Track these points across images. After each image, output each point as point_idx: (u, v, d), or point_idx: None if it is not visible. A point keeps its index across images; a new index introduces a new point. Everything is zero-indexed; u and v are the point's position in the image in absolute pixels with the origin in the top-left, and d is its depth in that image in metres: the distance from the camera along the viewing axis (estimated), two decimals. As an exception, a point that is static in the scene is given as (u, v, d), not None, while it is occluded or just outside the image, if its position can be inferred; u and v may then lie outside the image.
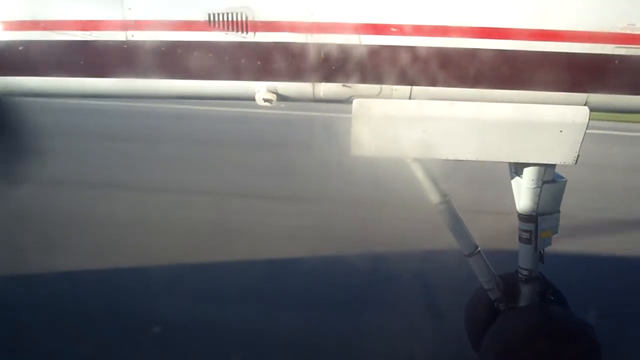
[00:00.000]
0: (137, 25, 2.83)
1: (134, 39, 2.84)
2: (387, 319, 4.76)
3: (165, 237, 6.48)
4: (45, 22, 2.85)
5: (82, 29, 2.83)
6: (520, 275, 3.59)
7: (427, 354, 4.41)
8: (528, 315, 3.58)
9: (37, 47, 2.89)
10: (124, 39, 2.84)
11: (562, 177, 3.38)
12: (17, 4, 2.90)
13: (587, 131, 2.98)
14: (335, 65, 2.85)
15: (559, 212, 3.42)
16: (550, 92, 2.92)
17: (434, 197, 3.43)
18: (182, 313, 4.80)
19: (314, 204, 7.58)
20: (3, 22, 2.88)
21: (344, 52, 2.82)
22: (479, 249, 3.59)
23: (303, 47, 2.82)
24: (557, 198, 3.38)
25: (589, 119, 2.95)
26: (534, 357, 3.30)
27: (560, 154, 3.03)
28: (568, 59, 2.80)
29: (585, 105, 2.95)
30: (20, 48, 2.88)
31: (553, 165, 3.20)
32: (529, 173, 3.25)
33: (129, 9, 2.81)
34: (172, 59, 2.88)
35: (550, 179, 3.28)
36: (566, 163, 3.04)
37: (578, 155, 3.02)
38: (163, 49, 2.86)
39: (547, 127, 2.98)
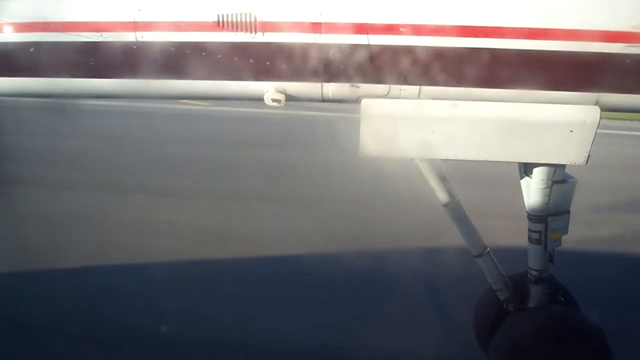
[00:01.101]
0: (147, 26, 2.85)
1: (144, 40, 2.87)
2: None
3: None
4: (55, 23, 2.88)
5: (92, 30, 2.86)
6: (529, 276, 3.56)
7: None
8: (537, 317, 3.55)
9: (47, 48, 2.92)
10: (133, 40, 2.86)
11: (572, 177, 3.35)
12: (28, 6, 2.93)
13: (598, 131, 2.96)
14: (343, 66, 2.85)
15: (569, 212, 3.39)
16: (561, 92, 2.90)
17: (442, 198, 3.41)
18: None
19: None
20: (14, 23, 2.91)
21: (352, 52, 2.82)
22: (488, 249, 3.57)
23: (311, 47, 2.82)
24: (567, 198, 3.35)
25: (600, 119, 2.93)
26: (543, 359, 3.28)
27: (571, 154, 3.00)
28: (579, 58, 2.77)
29: (595, 104, 2.92)
30: (32, 50, 2.91)
31: (563, 166, 3.18)
32: (538, 173, 3.22)
33: (139, 10, 2.83)
34: (180, 60, 2.89)
35: (560, 179, 3.26)
36: (577, 163, 3.01)
37: (589, 156, 2.99)
38: (172, 49, 2.88)
39: (557, 126, 2.95)
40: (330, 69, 2.86)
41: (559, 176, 3.24)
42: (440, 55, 2.80)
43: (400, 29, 2.78)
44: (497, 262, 3.64)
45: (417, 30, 2.78)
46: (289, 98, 2.99)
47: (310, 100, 3.07)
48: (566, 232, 3.43)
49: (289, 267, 5.90)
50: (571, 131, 2.94)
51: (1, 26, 2.91)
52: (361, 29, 2.79)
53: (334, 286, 5.39)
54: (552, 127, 2.96)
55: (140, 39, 2.86)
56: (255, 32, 2.83)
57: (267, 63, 2.87)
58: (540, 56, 2.77)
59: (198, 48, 2.87)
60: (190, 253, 6.18)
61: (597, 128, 2.94)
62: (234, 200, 8.16)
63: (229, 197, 8.30)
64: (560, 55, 2.78)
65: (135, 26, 2.85)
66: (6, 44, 2.92)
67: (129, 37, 2.86)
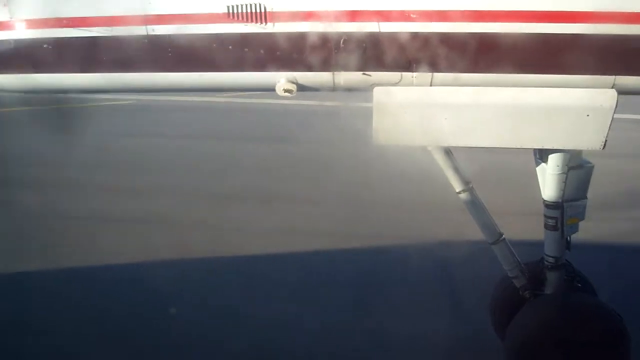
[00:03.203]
0: (157, 19, 2.86)
1: (155, 33, 2.87)
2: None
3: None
4: (67, 19, 2.90)
5: (102, 25, 2.87)
6: (545, 262, 3.53)
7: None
8: (554, 304, 3.52)
9: (60, 44, 2.94)
10: (144, 33, 2.87)
11: (589, 162, 3.30)
12: (40, 2, 2.95)
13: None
14: (354, 54, 2.83)
15: (586, 198, 3.35)
16: (576, 75, 2.85)
17: (456, 185, 3.39)
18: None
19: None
20: (27, 20, 2.94)
21: (363, 39, 2.80)
22: (504, 236, 3.55)
23: (322, 36, 2.80)
24: (584, 184, 3.31)
25: (617, 102, 2.87)
26: (561, 346, 3.25)
27: (587, 139, 2.95)
28: (595, 41, 2.72)
29: (612, 88, 2.87)
30: (45, 46, 2.94)
31: (579, 151, 3.13)
32: (554, 159, 3.18)
33: (149, 3, 2.83)
34: (192, 52, 2.90)
35: (577, 165, 3.22)
36: (593, 148, 2.96)
37: (606, 141, 2.93)
38: (183, 42, 2.88)
39: (573, 111, 2.90)
40: (341, 57, 2.84)
41: (575, 162, 3.20)
42: (452, 41, 2.77)
43: (411, 15, 2.75)
44: (512, 249, 3.61)
45: (429, 16, 2.74)
46: (301, 88, 2.99)
47: (322, 89, 3.06)
48: (583, 218, 3.39)
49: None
50: (587, 116, 2.89)
51: (13, 23, 2.94)
52: (371, 16, 2.76)
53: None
54: (568, 112, 2.91)
55: (151, 33, 2.87)
56: (266, 23, 2.82)
57: (278, 53, 2.86)
58: (556, 39, 2.72)
59: (208, 40, 2.87)
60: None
61: (614, 112, 2.89)
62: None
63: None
64: (576, 38, 2.72)
65: (146, 20, 2.86)
66: (18, 40, 2.95)
67: (140, 30, 2.87)
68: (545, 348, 3.26)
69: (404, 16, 2.76)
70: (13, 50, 2.97)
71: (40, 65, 3.02)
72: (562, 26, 2.69)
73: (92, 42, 2.92)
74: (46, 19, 2.93)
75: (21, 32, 2.95)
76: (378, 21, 2.77)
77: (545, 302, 3.54)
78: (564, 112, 2.91)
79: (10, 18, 2.93)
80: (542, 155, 3.32)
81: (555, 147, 3.09)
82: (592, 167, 3.29)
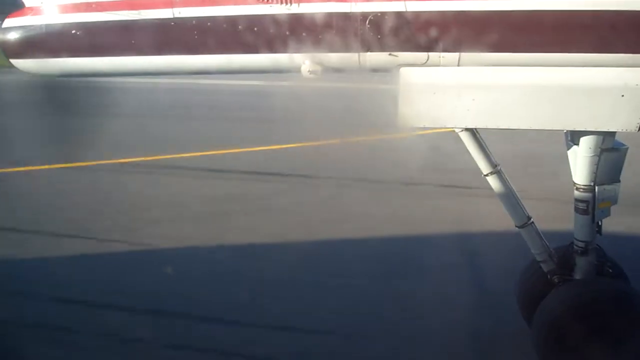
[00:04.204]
0: (183, 2, 2.88)
1: (181, 16, 2.89)
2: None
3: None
4: (96, 3, 2.95)
5: (130, 8, 2.91)
6: (575, 247, 3.46)
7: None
8: (584, 289, 3.46)
9: (89, 28, 2.99)
10: (171, 16, 2.89)
11: (623, 145, 3.20)
12: None
13: None
14: (380, 34, 2.80)
15: (619, 181, 3.25)
16: (611, 54, 2.75)
17: (484, 168, 3.34)
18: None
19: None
20: (58, 5, 3.00)
21: (390, 19, 2.76)
22: (532, 219, 3.48)
23: (347, 16, 2.77)
24: (618, 167, 3.22)
25: None
26: (590, 332, 3.19)
27: (622, 120, 2.86)
28: (630, 17, 2.62)
29: None
30: (73, 31, 2.99)
31: (613, 133, 3.04)
32: (587, 141, 3.09)
33: None
34: (217, 34, 2.91)
35: (610, 147, 3.12)
36: (627, 130, 2.87)
37: None
38: (209, 24, 2.90)
39: (607, 91, 2.81)
40: (367, 37, 2.81)
41: (608, 144, 3.10)
42: (479, 19, 2.71)
43: None
44: (541, 233, 3.55)
45: None
46: (326, 69, 2.97)
47: (348, 70, 3.04)
48: (615, 202, 3.30)
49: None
50: (622, 96, 2.79)
51: (44, 8, 3.00)
52: None
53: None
54: (602, 92, 2.82)
55: (177, 15, 2.89)
56: (291, 4, 2.80)
57: (303, 34, 2.85)
58: (589, 16, 2.63)
59: (234, 21, 2.88)
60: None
61: None
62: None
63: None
64: (611, 15, 2.63)
65: (172, 2, 2.88)
66: (48, 25, 3.02)
67: (167, 13, 2.90)
68: (574, 334, 3.21)
69: None
70: (44, 35, 3.04)
71: (70, 49, 3.08)
72: (595, 2, 2.60)
73: (119, 26, 2.96)
74: (76, 4, 2.99)
75: (51, 17, 3.01)
76: (404, 0, 2.72)
77: (575, 288, 3.48)
78: (597, 92, 2.82)
79: (41, 3, 2.99)
80: (573, 137, 3.23)
81: (587, 129, 3.00)
82: (627, 149, 3.19)
